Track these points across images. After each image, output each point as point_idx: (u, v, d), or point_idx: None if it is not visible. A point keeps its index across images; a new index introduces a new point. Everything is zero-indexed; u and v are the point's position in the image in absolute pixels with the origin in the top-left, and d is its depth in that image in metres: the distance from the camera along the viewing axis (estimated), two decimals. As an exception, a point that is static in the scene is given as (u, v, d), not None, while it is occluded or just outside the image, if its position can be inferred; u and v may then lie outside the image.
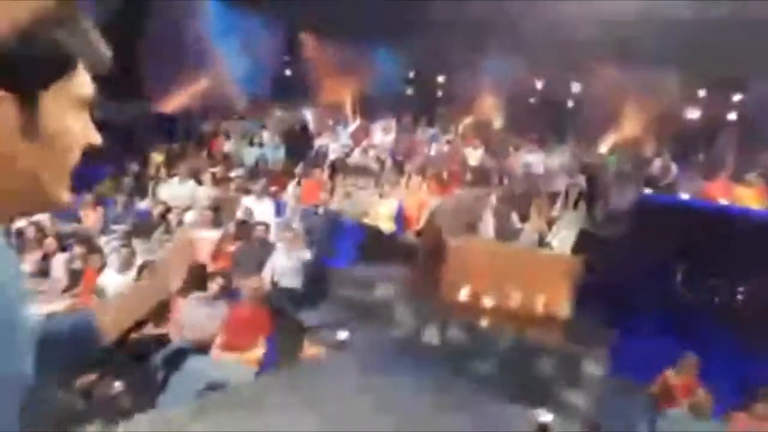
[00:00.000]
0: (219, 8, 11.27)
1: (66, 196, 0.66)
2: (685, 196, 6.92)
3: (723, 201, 6.73)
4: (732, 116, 9.50)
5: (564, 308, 5.17)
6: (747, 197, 6.91)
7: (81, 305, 4.68)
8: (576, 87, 10.50)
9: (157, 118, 9.93)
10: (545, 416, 3.67)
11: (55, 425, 3.40)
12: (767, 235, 5.29)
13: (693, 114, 9.59)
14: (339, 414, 3.50)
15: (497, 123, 10.72)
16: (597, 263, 5.37)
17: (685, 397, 3.95)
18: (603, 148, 9.49)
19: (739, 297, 5.35)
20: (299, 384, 3.93)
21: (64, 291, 4.82)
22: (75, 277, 4.92)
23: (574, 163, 8.39)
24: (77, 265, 4.99)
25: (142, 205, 6.64)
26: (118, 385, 3.92)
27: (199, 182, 7.09)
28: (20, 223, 5.77)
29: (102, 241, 5.55)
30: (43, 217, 6.08)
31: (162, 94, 10.57)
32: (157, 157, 8.17)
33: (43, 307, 4.51)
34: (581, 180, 7.71)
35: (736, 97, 9.46)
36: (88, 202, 6.51)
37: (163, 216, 6.10)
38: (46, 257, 5.30)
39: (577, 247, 5.91)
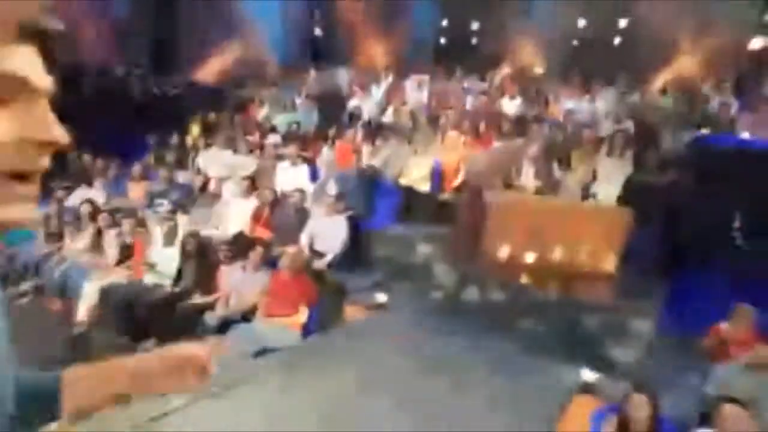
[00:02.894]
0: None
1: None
2: (746, 135, 6.38)
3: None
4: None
5: (610, 262, 4.99)
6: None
7: (135, 277, 4.93)
8: (623, 23, 9.72)
9: (194, 89, 10.06)
10: (590, 375, 3.61)
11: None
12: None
13: (757, 44, 8.70)
14: (381, 374, 3.57)
15: (538, 70, 10.15)
16: (646, 213, 5.09)
17: (741, 351, 3.76)
18: (655, 87, 8.83)
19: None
20: (343, 346, 4.03)
21: (117, 264, 5.08)
22: (126, 250, 5.16)
23: (622, 107, 7.88)
24: (127, 239, 5.22)
25: (184, 177, 6.82)
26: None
27: (236, 151, 7.18)
28: (75, 200, 6.10)
29: (147, 214, 5.76)
30: (96, 193, 6.40)
31: (197, 64, 10.67)
32: (194, 128, 8.32)
33: (101, 279, 4.81)
34: (629, 124, 7.26)
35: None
36: (135, 175, 6.76)
37: (203, 187, 6.25)
38: (100, 232, 5.57)
39: (624, 197, 5.61)
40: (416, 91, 9.10)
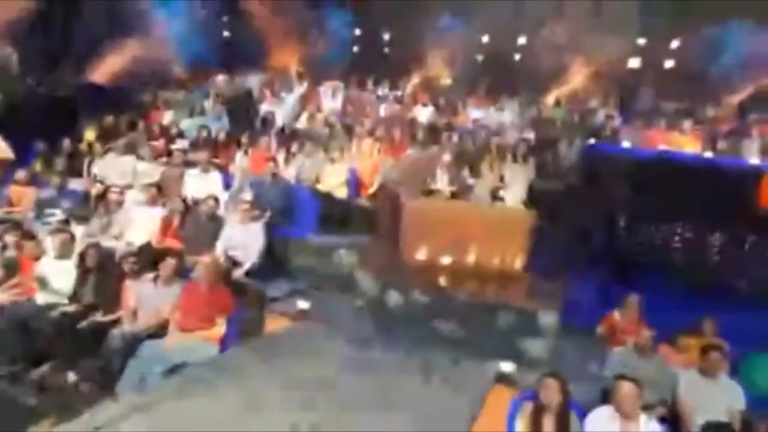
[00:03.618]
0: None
1: None
2: (627, 144, 7.18)
3: (662, 147, 7.03)
4: (670, 63, 9.85)
5: (518, 261, 5.33)
6: (683, 143, 7.25)
7: (22, 296, 4.39)
8: (522, 40, 10.51)
9: (89, 90, 9.20)
10: (506, 366, 3.83)
11: (8, 422, 3.25)
12: (700, 179, 5.58)
13: (634, 63, 9.86)
14: (306, 382, 3.50)
15: (446, 80, 10.65)
16: (547, 215, 5.53)
17: (629, 336, 4.20)
18: (550, 100, 9.64)
19: (677, 239, 5.68)
20: (262, 357, 3.89)
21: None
22: (10, 267, 4.58)
23: (523, 118, 8.50)
24: (11, 253, 4.64)
25: (77, 185, 6.23)
26: (71, 375, 3.77)
27: (139, 157, 6.70)
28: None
29: (36, 226, 5.18)
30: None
31: (93, 63, 9.79)
32: (89, 133, 7.63)
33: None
34: (530, 134, 7.85)
35: (674, 44, 9.79)
36: (20, 181, 6.05)
37: (102, 196, 5.75)
38: (-25, 248, 4.90)
39: (528, 201, 6.04)
40: (330, 99, 9.12)
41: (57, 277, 4.40)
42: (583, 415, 3.14)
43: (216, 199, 5.56)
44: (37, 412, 3.26)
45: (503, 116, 8.60)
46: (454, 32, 10.26)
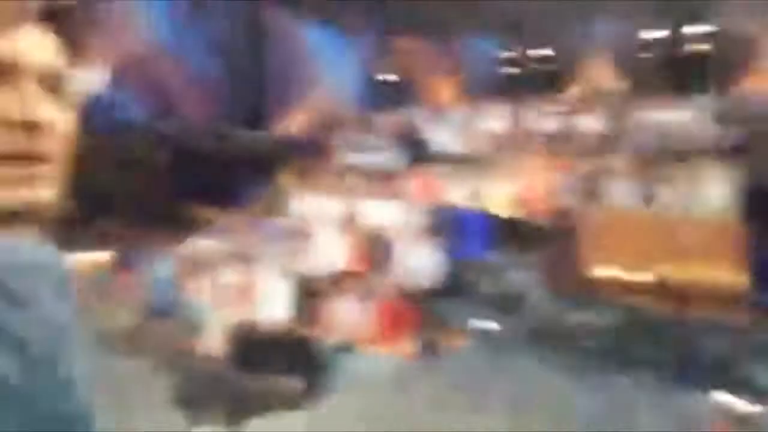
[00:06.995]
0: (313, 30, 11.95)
1: None
2: None
3: None
4: None
5: (729, 277, 4.65)
6: None
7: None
8: (701, 29, 9.31)
9: (282, 141, 10.77)
10: (725, 397, 3.28)
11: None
12: None
13: None
14: (481, 402, 3.46)
15: (611, 85, 9.90)
16: (765, 222, 4.72)
17: None
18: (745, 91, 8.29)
19: None
20: (444, 372, 3.99)
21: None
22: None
23: (713, 115, 7.47)
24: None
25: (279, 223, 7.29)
26: (288, 380, 4.35)
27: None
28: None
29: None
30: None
31: (281, 120, 11.49)
32: (286, 177, 8.92)
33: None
34: (725, 131, 6.85)
35: None
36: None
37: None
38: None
39: (744, 207, 5.20)
40: (492, 119, 9.21)
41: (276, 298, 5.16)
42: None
43: (393, 227, 5.99)
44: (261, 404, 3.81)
45: (683, 116, 7.66)
46: (613, 33, 9.54)
